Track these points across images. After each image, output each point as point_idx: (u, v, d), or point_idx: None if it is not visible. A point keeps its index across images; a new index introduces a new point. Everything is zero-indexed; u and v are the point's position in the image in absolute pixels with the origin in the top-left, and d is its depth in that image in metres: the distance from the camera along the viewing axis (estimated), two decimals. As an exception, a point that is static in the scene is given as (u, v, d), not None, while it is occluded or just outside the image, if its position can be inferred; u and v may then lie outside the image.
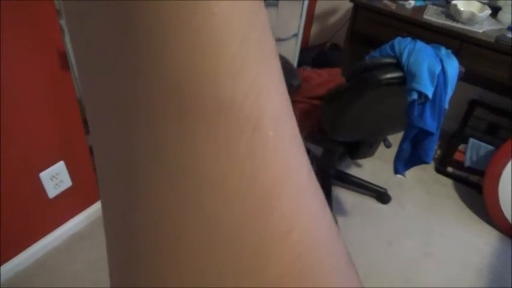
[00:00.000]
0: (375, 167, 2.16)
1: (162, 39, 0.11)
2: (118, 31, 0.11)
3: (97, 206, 1.73)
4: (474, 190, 2.09)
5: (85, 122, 1.53)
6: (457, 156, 2.15)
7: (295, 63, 2.46)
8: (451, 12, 1.89)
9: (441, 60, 1.28)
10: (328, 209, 0.15)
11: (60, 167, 1.47)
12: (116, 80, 0.12)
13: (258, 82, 0.12)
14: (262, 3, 0.13)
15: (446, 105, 1.34)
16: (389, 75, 1.29)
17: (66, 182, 1.53)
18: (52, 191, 1.49)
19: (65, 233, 1.63)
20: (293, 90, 1.49)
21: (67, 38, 1.45)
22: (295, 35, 2.38)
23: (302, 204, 0.13)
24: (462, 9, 1.84)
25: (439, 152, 2.27)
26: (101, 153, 0.14)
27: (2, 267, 1.45)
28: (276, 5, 2.15)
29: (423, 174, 2.17)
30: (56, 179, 1.48)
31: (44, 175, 1.43)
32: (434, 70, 1.25)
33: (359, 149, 1.70)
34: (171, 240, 0.12)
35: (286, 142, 0.13)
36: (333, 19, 2.66)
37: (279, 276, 0.13)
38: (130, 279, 0.14)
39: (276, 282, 0.13)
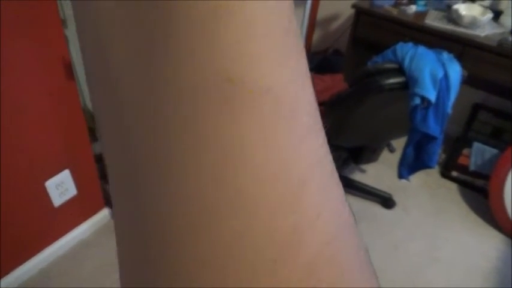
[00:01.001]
0: (378, 172, 2.15)
1: (213, 28, 0.11)
2: (161, 23, 0.11)
3: (102, 214, 1.74)
4: (479, 194, 2.08)
5: (90, 130, 1.54)
6: (462, 160, 2.15)
7: (297, 69, 2.46)
8: (453, 17, 1.90)
9: (443, 65, 1.28)
10: (346, 201, 0.16)
11: (65, 175, 1.48)
12: (149, 68, 0.12)
13: (297, 70, 0.13)
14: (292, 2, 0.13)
15: (449, 110, 1.34)
16: (391, 81, 1.30)
17: (72, 191, 1.54)
18: (57, 200, 1.50)
19: (70, 241, 1.64)
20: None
21: (72, 48, 1.47)
22: (298, 42, 2.39)
23: (329, 191, 0.14)
24: (464, 13, 1.85)
25: (443, 156, 2.27)
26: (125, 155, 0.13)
27: (7, 276, 1.46)
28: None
29: (428, 179, 2.16)
30: (61, 187, 1.49)
31: (50, 184, 1.44)
32: (436, 75, 1.26)
33: (363, 154, 1.70)
34: (205, 223, 0.12)
35: (316, 129, 0.14)
36: (335, 25, 2.67)
37: (310, 264, 0.13)
38: (150, 278, 0.14)
39: (307, 269, 0.13)
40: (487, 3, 1.98)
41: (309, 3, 2.23)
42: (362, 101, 1.37)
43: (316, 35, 2.79)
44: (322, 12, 2.67)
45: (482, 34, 1.83)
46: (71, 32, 1.53)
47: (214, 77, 0.11)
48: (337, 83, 1.70)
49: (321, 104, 1.57)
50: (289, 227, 0.13)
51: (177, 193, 0.12)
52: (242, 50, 0.11)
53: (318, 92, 1.63)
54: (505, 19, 1.90)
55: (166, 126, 0.12)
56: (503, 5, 1.97)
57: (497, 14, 1.91)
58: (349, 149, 1.71)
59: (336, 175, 0.15)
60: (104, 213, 1.74)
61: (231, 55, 0.11)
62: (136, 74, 0.12)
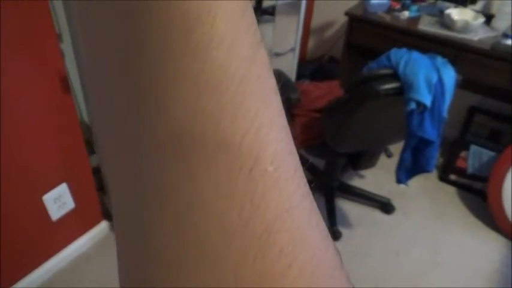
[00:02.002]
0: (377, 178, 2.15)
1: (164, 85, 0.12)
2: (124, 80, 0.12)
3: (101, 227, 1.73)
4: (478, 197, 2.08)
5: (87, 143, 1.54)
6: (460, 163, 2.15)
7: (293, 77, 2.48)
8: (446, 22, 1.92)
9: (438, 70, 1.29)
10: (330, 240, 0.15)
11: (63, 189, 1.48)
12: (124, 125, 0.13)
13: (257, 119, 0.13)
14: (262, 42, 0.13)
15: (445, 114, 1.34)
16: (387, 86, 1.31)
17: (69, 204, 1.53)
18: (55, 213, 1.49)
19: (70, 255, 1.63)
20: (292, 103, 1.50)
21: (68, 61, 1.47)
22: (292, 49, 2.41)
23: (302, 238, 0.13)
24: (456, 18, 1.87)
25: (441, 159, 2.27)
26: (114, 188, 0.15)
27: (6, 292, 1.45)
28: (272, 21, 2.18)
29: (426, 183, 2.16)
30: (59, 201, 1.48)
31: (47, 198, 1.43)
32: (431, 79, 1.27)
33: (361, 159, 1.70)
34: (173, 271, 0.13)
35: (286, 177, 0.13)
36: (329, 32, 2.69)
37: None
38: None
39: None
40: (478, 7, 2.01)
41: (302, 11, 2.25)
42: (358, 107, 1.38)
43: (311, 43, 2.81)
44: (316, 20, 2.69)
45: (476, 38, 1.85)
46: (67, 46, 1.54)
47: (173, 134, 0.12)
48: (334, 89, 1.71)
49: (318, 111, 1.58)
50: (256, 277, 0.12)
51: (147, 244, 0.13)
52: (196, 104, 0.12)
53: (314, 99, 1.64)
54: (497, 23, 1.92)
55: (135, 181, 0.13)
56: (495, 9, 1.99)
57: (489, 18, 1.94)
58: (347, 154, 1.71)
59: (315, 215, 0.14)
60: (103, 226, 1.73)
61: (184, 109, 0.12)
62: (113, 131, 0.13)
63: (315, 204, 0.15)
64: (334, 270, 0.14)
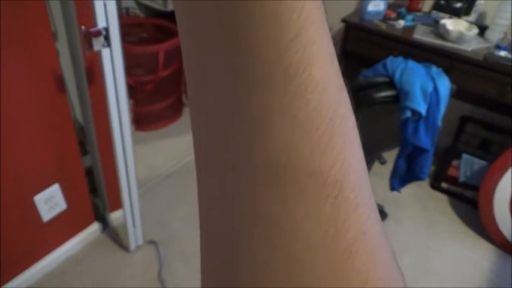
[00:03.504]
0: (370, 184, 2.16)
1: (268, 123, 0.14)
2: (233, 112, 0.14)
3: (92, 229, 1.71)
4: (469, 205, 2.10)
5: (80, 143, 1.53)
6: (451, 171, 2.17)
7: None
8: (440, 32, 1.94)
9: (433, 79, 1.31)
10: (396, 261, 0.17)
11: (54, 189, 1.46)
12: (224, 150, 0.15)
13: (342, 154, 0.15)
14: (344, 86, 0.16)
15: (439, 123, 1.36)
16: (383, 94, 1.32)
17: (61, 205, 1.51)
18: (46, 214, 1.47)
19: (59, 257, 1.60)
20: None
21: (63, 61, 1.46)
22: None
23: (376, 258, 0.15)
24: (450, 28, 1.89)
25: (433, 168, 2.29)
26: (208, 211, 0.17)
27: (-6, 294, 1.42)
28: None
29: (418, 191, 2.18)
30: (50, 202, 1.46)
31: (38, 198, 1.41)
32: (426, 88, 1.28)
33: (354, 166, 1.71)
34: (261, 276, 0.15)
35: (363, 203, 0.15)
36: (324, 39, 2.70)
37: None
38: None
39: None
40: (472, 18, 2.04)
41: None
42: (354, 114, 1.39)
43: (307, 49, 2.82)
44: (312, 26, 2.70)
45: (469, 48, 1.88)
46: (62, 45, 1.53)
47: (269, 163, 0.14)
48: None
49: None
50: None
51: (238, 251, 0.15)
52: (295, 142, 0.14)
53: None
54: (490, 34, 1.95)
55: (230, 201, 0.15)
56: (488, 21, 2.02)
57: (482, 29, 1.97)
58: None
59: (385, 237, 0.17)
60: (94, 228, 1.71)
61: (281, 146, 0.14)
62: (214, 154, 0.16)
63: (384, 229, 0.17)
64: (400, 283, 0.17)
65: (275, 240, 0.14)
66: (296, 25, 0.13)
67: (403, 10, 2.14)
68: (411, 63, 1.34)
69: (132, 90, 2.08)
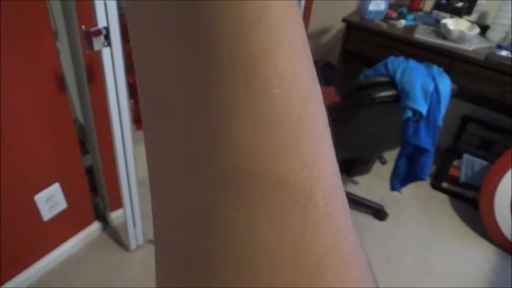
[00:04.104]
0: (370, 184, 2.16)
1: (225, 122, 0.12)
2: (188, 112, 0.13)
3: (92, 228, 1.71)
4: (470, 205, 2.10)
5: (81, 143, 1.52)
6: (452, 171, 2.17)
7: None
8: (441, 31, 1.94)
9: (434, 79, 1.30)
10: (371, 272, 0.15)
11: (55, 188, 1.46)
12: (182, 157, 0.13)
13: (311, 156, 0.13)
14: (317, 79, 0.14)
15: (440, 122, 1.36)
16: (383, 94, 1.31)
17: (62, 204, 1.51)
18: (47, 214, 1.47)
19: (59, 256, 1.60)
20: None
21: (63, 60, 1.46)
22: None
23: (348, 272, 0.14)
24: (452, 28, 1.89)
25: (434, 167, 2.29)
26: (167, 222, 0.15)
27: (-6, 292, 1.42)
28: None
29: (419, 190, 2.18)
30: (51, 201, 1.46)
31: (39, 197, 1.41)
32: (427, 88, 1.28)
33: (355, 166, 1.70)
34: None
35: (335, 211, 0.13)
36: (325, 38, 2.70)
37: None
38: None
39: None
40: (473, 18, 2.03)
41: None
42: (354, 114, 1.38)
43: (307, 48, 2.82)
44: (313, 25, 2.70)
45: (470, 48, 1.87)
46: (63, 44, 1.52)
47: (230, 168, 0.12)
48: (329, 96, 1.72)
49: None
50: None
51: (197, 273, 0.13)
52: (258, 144, 0.12)
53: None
54: (491, 34, 1.94)
55: (187, 210, 0.13)
56: (489, 21, 2.02)
57: (483, 29, 1.96)
58: (342, 161, 1.71)
59: (359, 247, 0.15)
60: (94, 227, 1.71)
61: (243, 147, 0.12)
62: (169, 160, 0.14)
63: (359, 237, 0.15)
64: None
65: (237, 256, 0.13)
66: (258, 5, 0.11)
67: (404, 10, 2.14)
68: (412, 63, 1.34)
69: (133, 89, 2.08)
